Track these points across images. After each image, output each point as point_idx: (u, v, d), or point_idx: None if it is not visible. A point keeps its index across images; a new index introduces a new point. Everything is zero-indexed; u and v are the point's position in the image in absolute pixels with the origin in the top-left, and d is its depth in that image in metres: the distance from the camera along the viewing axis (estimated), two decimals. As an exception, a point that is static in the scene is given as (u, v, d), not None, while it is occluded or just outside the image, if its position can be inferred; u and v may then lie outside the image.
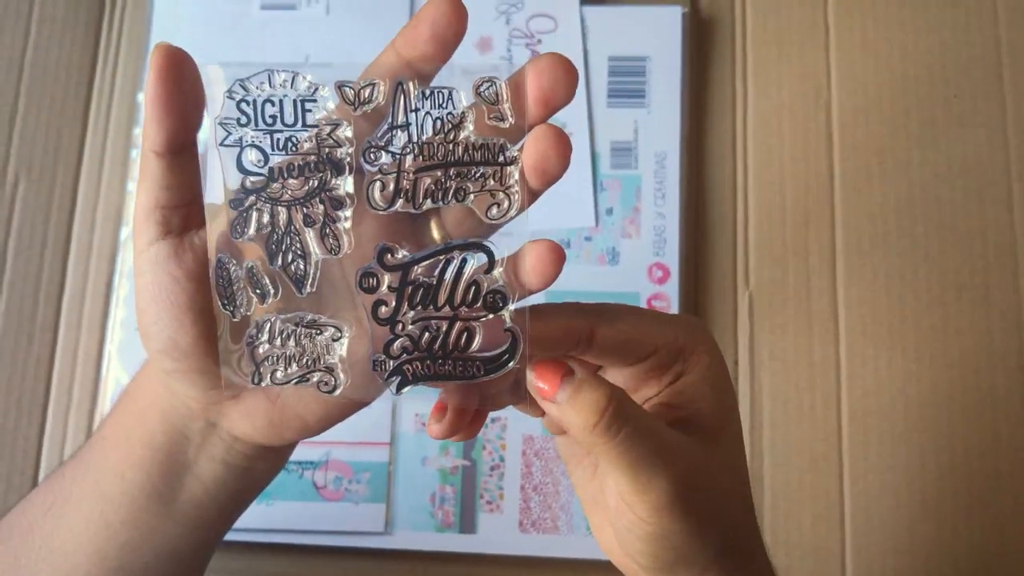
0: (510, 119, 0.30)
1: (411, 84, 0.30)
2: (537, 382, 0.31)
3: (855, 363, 0.61)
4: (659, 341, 0.34)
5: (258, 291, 0.31)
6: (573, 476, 0.38)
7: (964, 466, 0.60)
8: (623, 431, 0.30)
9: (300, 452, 0.60)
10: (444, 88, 0.30)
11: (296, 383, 0.32)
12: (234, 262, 0.31)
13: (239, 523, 0.60)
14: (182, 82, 0.30)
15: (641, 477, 0.31)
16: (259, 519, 0.60)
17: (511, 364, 0.31)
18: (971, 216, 0.63)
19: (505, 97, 0.30)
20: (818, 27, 0.67)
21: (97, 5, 0.70)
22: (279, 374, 0.32)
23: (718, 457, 0.35)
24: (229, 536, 0.60)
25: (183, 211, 0.32)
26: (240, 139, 0.30)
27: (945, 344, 0.61)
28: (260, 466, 0.38)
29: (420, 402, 0.62)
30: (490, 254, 0.30)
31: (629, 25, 0.67)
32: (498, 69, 0.30)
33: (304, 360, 0.32)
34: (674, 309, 0.63)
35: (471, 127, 0.30)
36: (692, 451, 0.33)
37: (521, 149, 0.30)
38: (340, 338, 0.32)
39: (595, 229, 0.64)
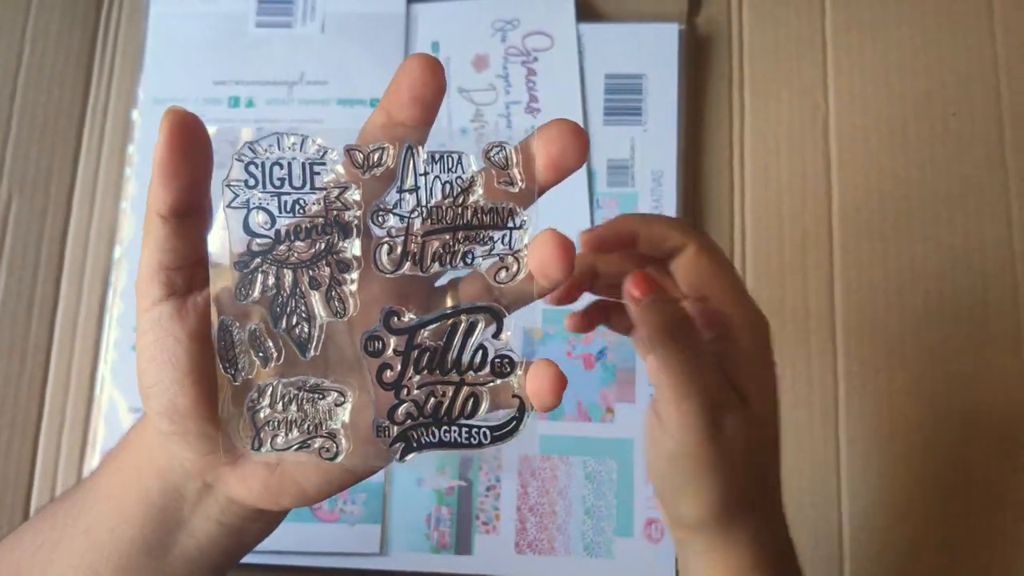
0: (520, 184, 0.30)
1: (420, 148, 0.30)
2: (632, 289, 0.37)
3: (853, 383, 0.61)
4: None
5: (261, 354, 0.31)
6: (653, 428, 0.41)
7: (964, 487, 0.59)
8: (684, 340, 0.37)
9: (295, 473, 0.60)
10: (454, 152, 0.30)
11: (297, 449, 0.31)
12: (237, 324, 0.31)
13: (233, 545, 0.59)
14: (190, 147, 0.30)
15: (681, 389, 0.37)
16: (253, 541, 0.59)
17: (519, 431, 0.30)
18: (969, 234, 0.62)
19: (515, 162, 0.29)
20: (816, 44, 0.67)
21: (91, 23, 0.70)
22: (280, 439, 0.31)
23: (755, 412, 0.41)
24: (223, 558, 0.60)
25: (187, 272, 0.32)
26: (247, 201, 0.30)
27: (944, 364, 0.61)
28: (254, 527, 0.38)
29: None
30: (499, 318, 0.30)
31: (626, 42, 0.67)
32: (509, 139, 0.30)
33: (306, 426, 0.31)
34: (671, 328, 0.62)
35: (480, 191, 0.30)
36: (732, 399, 0.40)
37: (527, 218, 0.30)
38: (343, 403, 0.31)
39: None
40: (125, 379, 0.63)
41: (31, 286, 0.65)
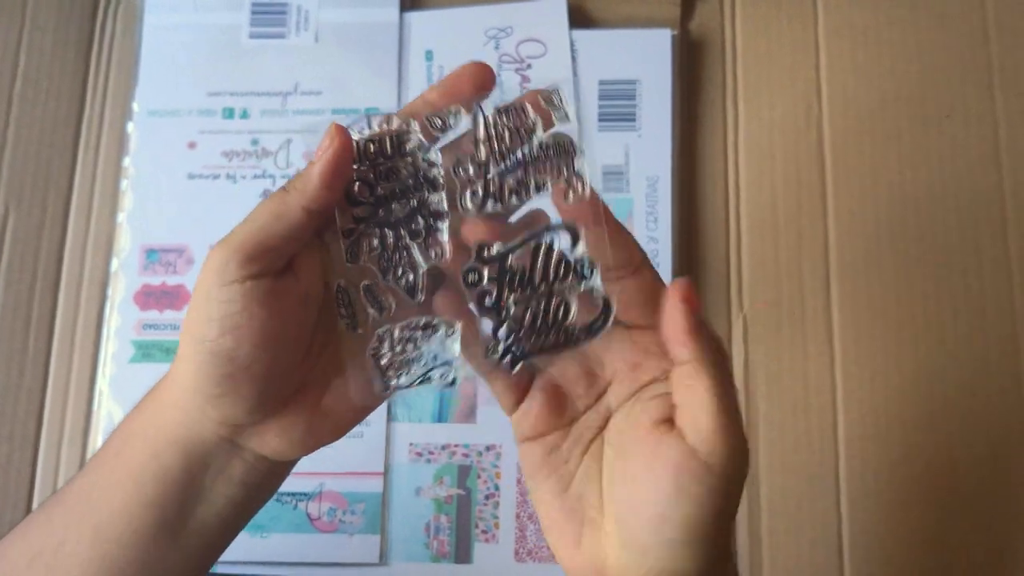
0: (572, 118, 0.34)
1: (486, 105, 0.34)
2: (684, 291, 0.34)
3: (851, 385, 0.61)
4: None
5: (376, 306, 0.36)
6: (541, 490, 0.37)
7: (962, 488, 0.59)
8: (726, 366, 0.34)
9: (293, 483, 0.60)
10: (515, 104, 0.34)
11: (419, 383, 0.36)
12: (352, 285, 0.36)
13: (233, 556, 0.59)
14: (347, 163, 0.35)
15: (722, 417, 0.33)
16: (253, 552, 0.59)
17: (607, 326, 0.35)
18: (965, 236, 0.62)
19: (567, 102, 0.35)
20: (809, 48, 0.67)
21: (86, 36, 0.70)
22: (403, 378, 0.36)
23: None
24: (224, 569, 0.60)
25: (285, 258, 0.36)
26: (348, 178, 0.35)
27: (941, 365, 0.61)
28: (271, 482, 0.41)
29: (413, 432, 0.61)
30: (573, 231, 0.34)
31: (619, 48, 0.67)
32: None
33: (423, 360, 0.36)
34: (668, 333, 0.62)
35: (541, 130, 0.34)
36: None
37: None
38: (453, 333, 0.36)
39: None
40: (123, 392, 0.63)
41: (28, 299, 0.65)
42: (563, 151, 0.34)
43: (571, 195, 0.34)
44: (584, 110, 0.66)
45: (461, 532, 0.60)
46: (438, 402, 0.62)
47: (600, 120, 0.66)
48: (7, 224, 0.66)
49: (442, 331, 0.36)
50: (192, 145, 0.67)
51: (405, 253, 0.35)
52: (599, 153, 0.65)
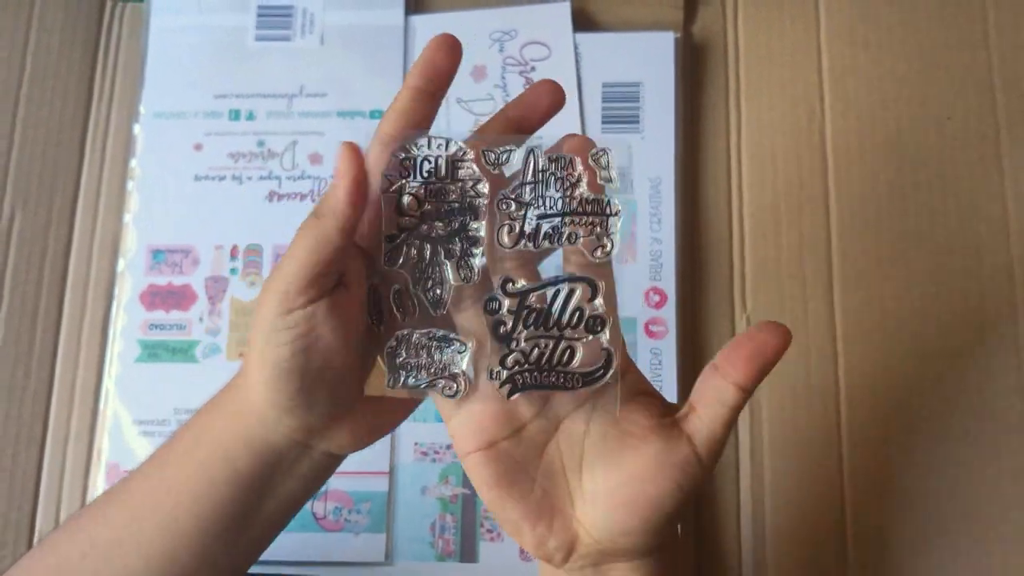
0: (616, 181, 0.37)
1: (540, 150, 0.37)
2: (783, 340, 0.37)
3: (853, 386, 0.61)
4: None
5: (400, 310, 0.38)
6: (504, 498, 0.39)
7: (965, 487, 0.59)
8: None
9: (299, 483, 0.60)
10: (567, 155, 0.37)
11: (424, 387, 0.38)
12: (384, 287, 0.39)
13: (239, 556, 0.60)
14: (366, 180, 0.37)
15: (729, 434, 0.38)
16: (259, 551, 0.60)
17: (606, 378, 0.37)
18: (967, 237, 0.63)
19: (614, 164, 0.37)
20: (811, 50, 0.67)
21: (92, 39, 0.70)
22: (411, 380, 0.38)
23: None
24: (229, 569, 0.60)
25: (335, 276, 0.38)
26: (400, 188, 0.37)
27: (944, 366, 0.61)
28: (329, 473, 0.44)
29: (418, 432, 0.62)
30: (593, 286, 0.37)
31: (622, 51, 0.67)
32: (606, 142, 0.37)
33: (432, 368, 0.38)
34: (672, 333, 0.63)
35: (584, 186, 0.37)
36: None
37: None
38: (464, 352, 0.38)
39: (630, 260, 0.64)
40: (129, 392, 0.63)
41: (35, 299, 0.65)
42: (600, 211, 0.37)
43: (600, 252, 0.37)
44: (588, 112, 0.67)
45: (466, 531, 0.60)
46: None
47: (603, 122, 0.66)
48: (14, 225, 0.66)
49: (455, 346, 0.38)
50: (198, 147, 0.67)
51: (438, 269, 0.38)
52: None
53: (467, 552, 0.60)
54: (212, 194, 0.66)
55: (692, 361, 0.63)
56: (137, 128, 0.68)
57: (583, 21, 0.69)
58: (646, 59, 0.67)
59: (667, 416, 0.39)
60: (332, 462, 0.43)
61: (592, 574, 0.39)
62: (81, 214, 0.67)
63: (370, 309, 0.39)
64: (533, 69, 0.67)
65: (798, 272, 0.63)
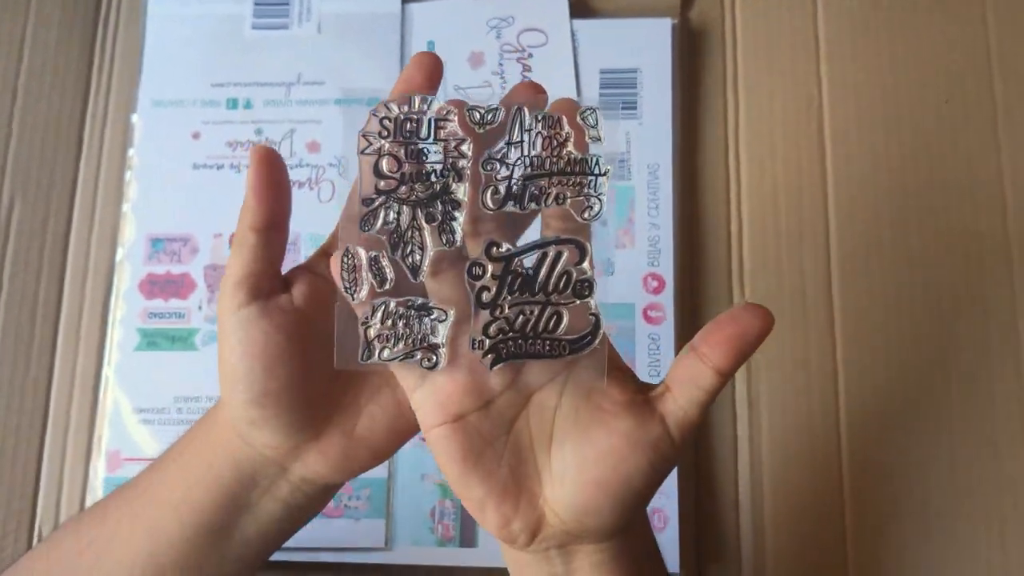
0: (604, 139, 0.36)
1: (527, 109, 0.35)
2: (765, 322, 0.35)
3: (852, 371, 0.61)
4: None
5: (378, 277, 0.36)
6: (469, 474, 0.37)
7: (964, 474, 0.60)
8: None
9: (299, 470, 0.60)
10: (553, 114, 0.35)
11: (401, 360, 0.36)
12: (359, 251, 0.36)
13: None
14: (275, 174, 0.38)
15: (704, 416, 0.37)
16: (259, 538, 0.60)
17: (594, 344, 0.36)
18: (965, 223, 0.63)
19: (602, 123, 0.36)
20: (808, 36, 0.67)
21: (89, 28, 0.70)
22: (386, 352, 0.36)
23: None
24: (229, 555, 0.60)
25: (270, 278, 0.39)
26: (379, 149, 0.35)
27: (942, 352, 0.61)
28: (315, 505, 0.43)
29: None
30: (582, 248, 0.36)
31: (620, 37, 0.67)
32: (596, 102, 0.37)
33: (410, 340, 0.36)
34: (670, 319, 0.63)
35: (572, 145, 0.35)
36: None
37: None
38: (444, 320, 0.36)
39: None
40: (129, 381, 0.63)
41: (34, 289, 0.65)
42: (588, 170, 0.36)
43: (588, 212, 0.36)
44: (585, 99, 0.66)
45: (466, 516, 0.60)
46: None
47: (601, 109, 0.66)
48: (13, 215, 0.66)
49: (435, 315, 0.36)
50: (196, 135, 0.67)
51: (417, 233, 0.36)
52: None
53: (466, 537, 0.60)
54: (210, 182, 0.66)
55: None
56: (135, 117, 0.68)
57: (580, 7, 0.69)
58: (644, 45, 0.67)
59: (641, 393, 0.37)
60: (316, 492, 0.42)
61: (556, 556, 0.38)
62: (80, 203, 0.67)
63: (344, 276, 0.37)
64: (531, 56, 0.67)
65: (796, 257, 0.64)
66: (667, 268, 0.63)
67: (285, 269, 0.40)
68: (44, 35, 0.70)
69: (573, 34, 0.67)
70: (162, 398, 0.63)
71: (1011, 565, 0.58)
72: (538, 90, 0.37)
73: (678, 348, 0.62)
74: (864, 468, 0.60)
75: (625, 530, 0.38)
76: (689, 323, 0.63)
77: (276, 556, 0.59)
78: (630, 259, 0.64)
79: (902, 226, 0.63)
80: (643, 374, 0.62)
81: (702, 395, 0.36)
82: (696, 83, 0.68)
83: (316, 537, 0.60)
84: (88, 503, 0.61)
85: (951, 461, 0.60)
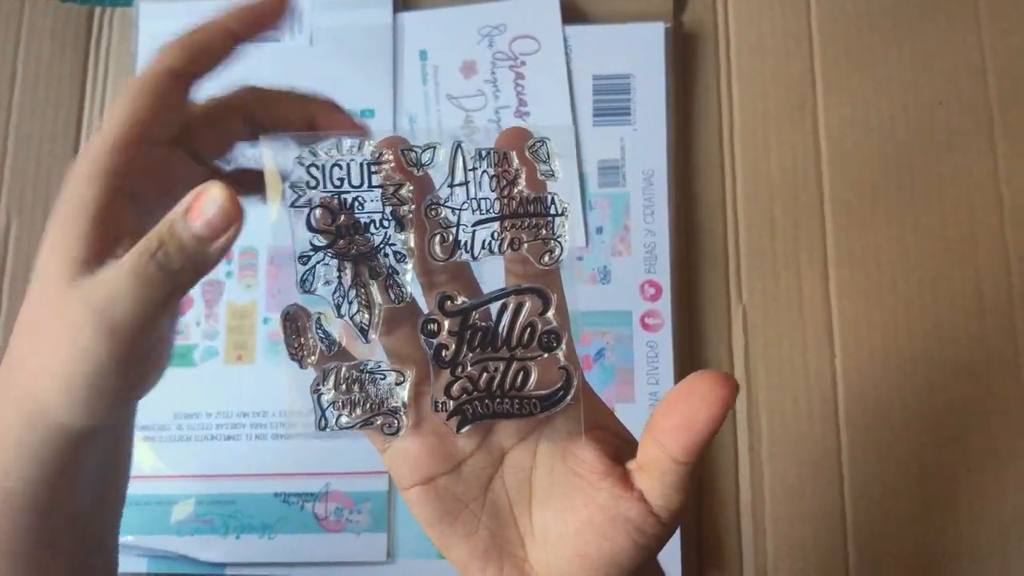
0: (559, 174, 0.33)
1: (466, 144, 0.33)
2: (729, 395, 0.31)
3: (851, 375, 0.61)
4: None
5: (324, 341, 0.34)
6: (447, 536, 0.35)
7: (964, 473, 0.59)
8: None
9: (300, 484, 0.61)
10: (500, 149, 0.32)
11: (360, 427, 0.34)
12: (301, 315, 0.34)
13: (242, 558, 0.60)
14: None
15: (690, 499, 0.33)
16: (261, 553, 0.60)
17: (566, 399, 0.33)
18: (961, 223, 0.63)
19: (555, 156, 0.33)
20: (802, 37, 0.67)
21: (82, 44, 0.70)
22: (344, 419, 0.34)
23: None
24: (232, 571, 0.61)
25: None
26: (309, 200, 0.33)
27: (940, 353, 0.61)
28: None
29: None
30: (544, 297, 0.33)
31: (612, 43, 0.67)
32: (547, 132, 0.33)
33: (368, 404, 0.34)
34: (668, 326, 0.63)
35: (523, 183, 0.32)
36: None
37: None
38: (403, 382, 0.34)
39: (585, 248, 0.64)
40: (129, 397, 0.63)
41: (33, 308, 0.65)
42: (544, 210, 0.33)
43: (547, 257, 0.33)
44: (579, 105, 0.66)
45: (467, 528, 0.60)
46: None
47: (595, 115, 0.66)
48: (10, 233, 0.67)
49: (391, 377, 0.34)
50: (190, 151, 0.67)
51: (363, 290, 0.33)
52: (595, 148, 0.66)
53: (468, 549, 0.60)
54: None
55: (689, 353, 0.63)
56: (129, 133, 0.68)
57: (572, 13, 0.68)
58: (637, 50, 0.67)
59: (621, 462, 0.34)
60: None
61: None
62: (76, 221, 0.67)
63: (288, 342, 0.34)
64: (523, 63, 0.67)
65: (793, 261, 0.63)
66: (664, 275, 0.63)
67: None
68: (37, 53, 0.70)
69: (565, 40, 0.67)
70: (162, 415, 0.63)
71: (1012, 563, 0.58)
72: (524, 135, 0.33)
73: (676, 355, 0.62)
74: (864, 470, 0.60)
75: None
76: (687, 330, 0.63)
77: (277, 571, 0.60)
78: (626, 266, 0.63)
79: (898, 227, 0.63)
80: (642, 383, 0.62)
81: (673, 479, 0.32)
82: (690, 87, 0.68)
83: (318, 552, 0.60)
84: (91, 521, 0.61)
85: (952, 461, 0.60)
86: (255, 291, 0.64)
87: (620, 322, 0.63)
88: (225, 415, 0.62)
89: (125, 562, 0.61)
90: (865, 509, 0.59)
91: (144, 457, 0.62)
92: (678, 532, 0.59)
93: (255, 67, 0.68)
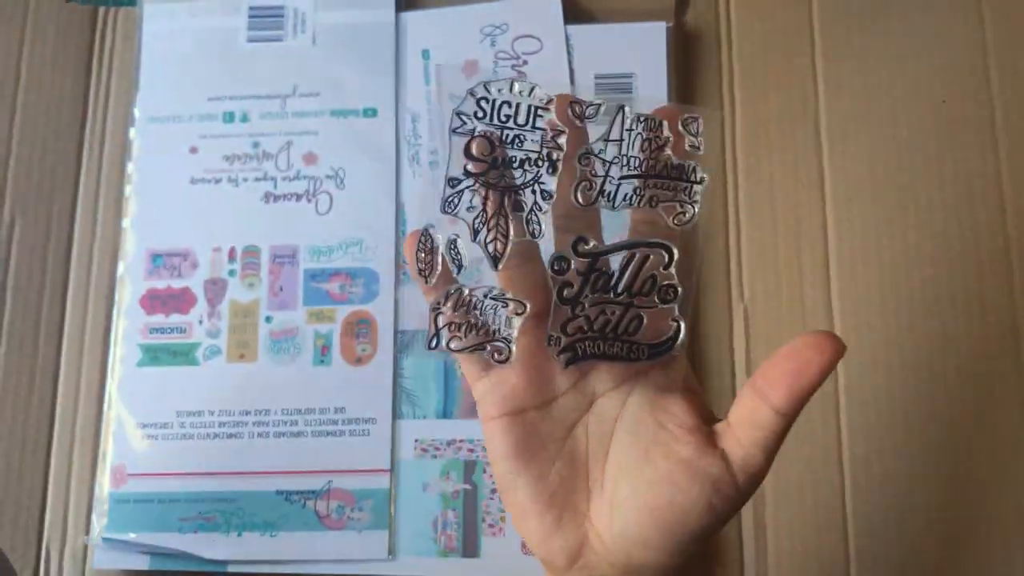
0: (703, 149, 0.35)
1: (629, 108, 0.35)
2: (835, 352, 0.33)
3: (852, 374, 0.61)
4: None
5: (455, 262, 0.35)
6: (519, 475, 0.36)
7: (964, 473, 0.59)
8: None
9: (301, 482, 0.61)
10: (655, 116, 0.35)
11: (471, 351, 0.35)
12: (436, 233, 0.36)
13: (243, 555, 0.60)
14: None
15: (772, 461, 0.34)
16: (263, 550, 0.60)
17: (673, 351, 0.35)
18: (963, 221, 0.62)
19: (702, 131, 0.35)
20: (804, 36, 0.67)
21: (86, 45, 0.71)
22: (455, 343, 0.35)
23: None
24: (234, 568, 0.61)
25: None
26: (472, 130, 0.35)
27: (942, 351, 0.61)
28: None
29: (418, 429, 0.62)
30: (670, 253, 0.35)
31: (614, 42, 0.67)
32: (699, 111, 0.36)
33: (482, 330, 0.35)
34: (669, 325, 0.63)
35: (670, 150, 0.35)
36: None
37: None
38: (522, 313, 0.35)
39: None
40: (132, 396, 0.63)
41: (37, 306, 0.66)
42: (684, 176, 0.35)
43: (680, 218, 0.35)
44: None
45: (468, 526, 0.60)
46: (443, 399, 0.63)
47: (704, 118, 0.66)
48: (14, 233, 0.67)
49: (511, 307, 0.35)
50: (194, 150, 0.67)
51: (502, 220, 0.35)
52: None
53: (469, 547, 0.60)
54: (209, 197, 0.66)
55: (691, 352, 0.63)
56: (133, 133, 0.68)
57: (574, 12, 0.68)
58: (639, 49, 0.67)
59: (707, 423, 0.35)
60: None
61: None
62: (80, 220, 0.68)
63: (420, 258, 0.36)
64: (525, 63, 0.67)
65: (795, 259, 0.63)
66: (665, 273, 0.63)
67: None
68: (41, 53, 0.70)
69: (567, 39, 0.67)
70: (165, 413, 0.63)
71: (1015, 562, 0.58)
72: (680, 110, 0.36)
73: (678, 353, 0.62)
74: (865, 467, 0.60)
75: (676, 574, 0.35)
76: (689, 328, 0.63)
77: (279, 568, 0.60)
78: (628, 265, 0.63)
79: (900, 225, 0.63)
80: (643, 380, 0.62)
81: (763, 436, 0.33)
82: (692, 86, 0.68)
83: (319, 549, 0.60)
84: (94, 519, 0.62)
85: (952, 459, 0.60)
86: (258, 290, 0.65)
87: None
88: (227, 413, 0.63)
89: (128, 560, 0.61)
90: (865, 507, 0.59)
91: (147, 455, 0.62)
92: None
93: (260, 67, 0.69)
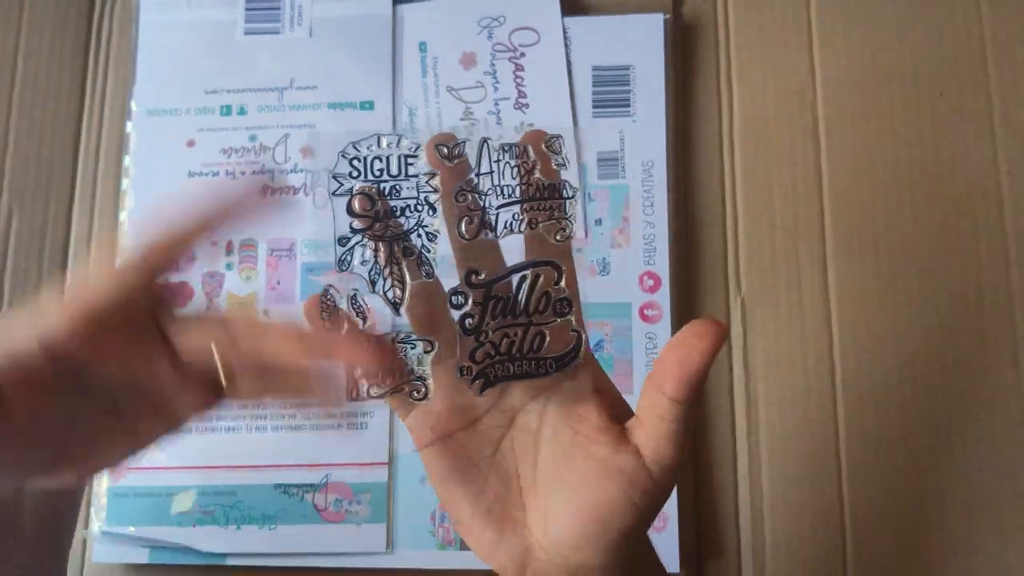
0: (568, 165, 0.37)
1: (492, 141, 0.37)
2: (718, 336, 0.34)
3: (849, 366, 0.61)
4: None
5: (359, 316, 0.37)
6: (455, 494, 0.38)
7: (961, 468, 0.60)
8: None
9: (300, 475, 0.61)
10: (519, 143, 0.37)
11: (390, 395, 0.37)
12: (337, 292, 0.37)
13: (243, 548, 0.61)
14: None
15: (684, 451, 0.36)
16: (262, 543, 0.60)
17: (578, 359, 0.37)
18: (961, 214, 0.62)
19: (564, 148, 0.37)
20: (801, 28, 0.67)
21: (83, 38, 0.70)
22: (375, 390, 0.37)
23: None
24: (233, 561, 0.61)
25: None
26: (350, 189, 0.36)
27: (939, 344, 0.61)
28: None
29: (416, 422, 0.62)
30: (558, 269, 0.37)
31: (612, 34, 0.67)
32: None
33: (399, 372, 0.37)
34: (667, 317, 0.63)
35: (539, 172, 0.37)
36: None
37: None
38: (431, 351, 0.37)
39: (585, 240, 0.64)
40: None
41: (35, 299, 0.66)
42: (557, 194, 0.37)
43: (559, 235, 0.37)
44: (578, 97, 0.66)
45: (466, 519, 0.61)
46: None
47: (595, 107, 0.66)
48: (11, 226, 0.67)
49: (420, 347, 0.37)
50: (191, 143, 0.67)
51: (396, 268, 0.37)
52: (594, 139, 0.66)
53: (467, 540, 0.60)
54: (206, 190, 0.66)
55: (688, 344, 0.63)
56: (130, 126, 0.68)
57: (572, 5, 0.68)
58: (636, 42, 0.67)
59: (619, 421, 0.37)
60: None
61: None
62: (77, 213, 0.68)
63: (325, 317, 0.37)
64: (523, 55, 0.67)
65: (792, 253, 0.63)
66: (663, 266, 0.63)
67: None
68: (37, 46, 0.70)
69: (565, 32, 0.67)
70: (163, 406, 0.63)
71: (1011, 561, 0.58)
72: (542, 134, 0.37)
73: (675, 346, 0.62)
74: (862, 464, 0.60)
75: (622, 570, 0.37)
76: (686, 321, 0.63)
77: (277, 562, 0.60)
78: (626, 258, 0.64)
79: (897, 218, 0.63)
80: (640, 374, 0.62)
81: (667, 426, 0.35)
82: (689, 78, 0.68)
83: (317, 542, 0.60)
84: (93, 514, 0.62)
85: (950, 457, 0.60)
86: (255, 283, 0.65)
87: (619, 314, 0.63)
88: (225, 407, 0.62)
89: (127, 553, 0.62)
90: (862, 500, 0.60)
91: (145, 448, 0.62)
92: (676, 524, 0.60)
93: (257, 59, 0.69)
